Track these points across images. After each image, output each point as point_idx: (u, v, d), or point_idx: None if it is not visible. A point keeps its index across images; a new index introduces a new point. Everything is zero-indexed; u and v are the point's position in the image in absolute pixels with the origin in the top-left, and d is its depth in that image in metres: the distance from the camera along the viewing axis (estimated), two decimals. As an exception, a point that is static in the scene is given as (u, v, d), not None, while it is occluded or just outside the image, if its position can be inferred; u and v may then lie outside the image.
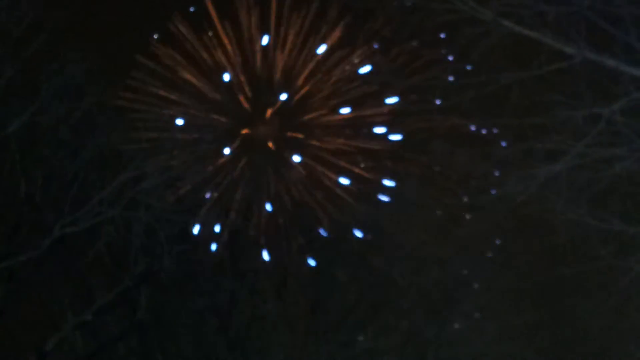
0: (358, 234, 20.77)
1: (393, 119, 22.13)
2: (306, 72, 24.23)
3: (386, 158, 22.63)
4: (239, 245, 20.56)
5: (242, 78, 24.49)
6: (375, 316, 20.73)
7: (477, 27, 12.94)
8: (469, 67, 13.78)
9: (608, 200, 14.53)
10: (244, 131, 21.73)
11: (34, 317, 17.79)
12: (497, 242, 19.64)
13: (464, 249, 19.61)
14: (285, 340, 20.69)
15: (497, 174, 15.07)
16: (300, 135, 23.90)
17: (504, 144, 14.35)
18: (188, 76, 24.84)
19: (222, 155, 21.56)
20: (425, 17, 13.26)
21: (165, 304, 19.57)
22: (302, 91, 23.92)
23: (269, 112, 22.85)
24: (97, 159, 16.59)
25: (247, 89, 24.62)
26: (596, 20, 11.92)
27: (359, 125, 24.68)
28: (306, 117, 24.06)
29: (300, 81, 24.22)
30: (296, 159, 23.52)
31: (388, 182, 22.76)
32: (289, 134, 23.93)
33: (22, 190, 16.30)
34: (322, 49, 23.92)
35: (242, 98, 24.66)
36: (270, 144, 22.94)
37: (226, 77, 24.37)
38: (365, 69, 22.95)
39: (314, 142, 24.14)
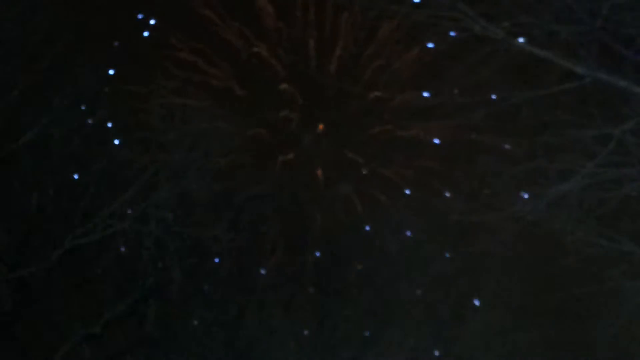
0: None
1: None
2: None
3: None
4: (247, 259, 20.59)
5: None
6: (381, 333, 20.68)
7: (489, 46, 12.98)
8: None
9: (618, 221, 14.50)
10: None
11: (43, 328, 17.83)
12: (506, 261, 19.56)
13: (472, 266, 19.57)
14: (292, 355, 20.65)
15: (507, 192, 15.07)
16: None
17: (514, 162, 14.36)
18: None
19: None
20: (436, 36, 13.32)
21: (174, 318, 19.58)
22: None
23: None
24: (108, 171, 16.68)
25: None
26: (607, 41, 11.93)
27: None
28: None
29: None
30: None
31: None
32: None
33: (34, 202, 16.40)
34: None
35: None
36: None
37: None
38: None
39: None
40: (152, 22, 22.55)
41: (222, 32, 24.57)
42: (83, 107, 16.16)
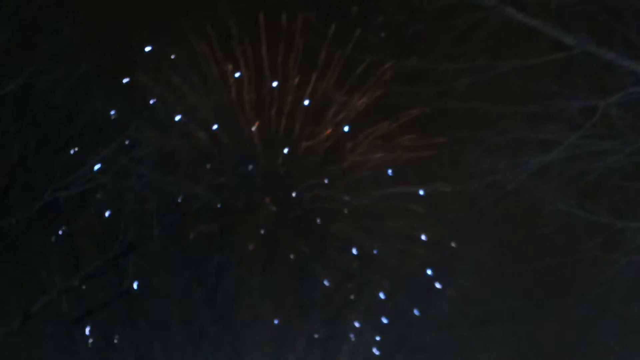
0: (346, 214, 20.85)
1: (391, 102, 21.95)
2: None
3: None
4: (229, 218, 20.63)
5: None
6: (360, 296, 20.88)
7: (478, 13, 12.95)
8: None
9: (598, 193, 14.65)
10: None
11: (21, 278, 17.80)
12: (484, 228, 19.72)
13: (451, 233, 19.75)
14: (270, 315, 20.82)
15: (489, 160, 15.15)
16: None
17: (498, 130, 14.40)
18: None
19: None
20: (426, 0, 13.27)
21: (153, 274, 19.65)
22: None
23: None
24: (91, 124, 16.54)
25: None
26: (597, 13, 11.96)
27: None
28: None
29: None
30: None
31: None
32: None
33: (15, 152, 16.24)
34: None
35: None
36: None
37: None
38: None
39: None
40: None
41: None
42: (67, 59, 15.95)
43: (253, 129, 22.41)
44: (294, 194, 21.29)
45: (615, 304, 17.31)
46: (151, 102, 18.26)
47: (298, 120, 22.36)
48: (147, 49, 16.77)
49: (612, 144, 12.83)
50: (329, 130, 22.39)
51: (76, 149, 16.53)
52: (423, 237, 19.99)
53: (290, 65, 22.45)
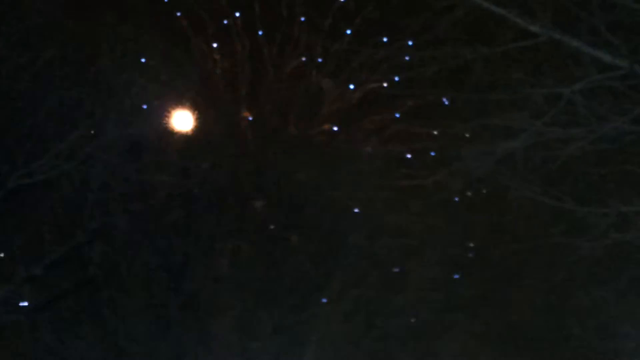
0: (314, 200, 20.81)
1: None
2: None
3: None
4: (195, 206, 20.53)
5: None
6: (326, 282, 20.93)
7: (445, 1, 13.05)
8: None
9: (562, 180, 14.87)
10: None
11: (-17, 268, 17.62)
12: (449, 215, 19.89)
13: (418, 219, 19.85)
14: (238, 304, 20.78)
15: (455, 147, 15.27)
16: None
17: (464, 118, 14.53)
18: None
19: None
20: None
21: (118, 262, 19.51)
22: None
23: None
24: (56, 111, 16.35)
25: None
26: (563, 1, 12.09)
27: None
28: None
29: None
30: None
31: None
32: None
33: (-24, 140, 16.04)
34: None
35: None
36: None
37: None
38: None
39: None
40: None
41: None
42: (31, 46, 15.74)
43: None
44: (272, 183, 21.25)
45: (578, 289, 17.63)
46: (118, 89, 18.07)
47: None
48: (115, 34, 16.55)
49: (576, 131, 13.01)
50: None
51: (40, 136, 16.34)
52: (389, 224, 20.05)
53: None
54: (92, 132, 16.44)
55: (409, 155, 19.52)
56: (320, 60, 21.47)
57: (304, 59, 21.80)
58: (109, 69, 16.48)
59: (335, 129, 21.96)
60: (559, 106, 12.43)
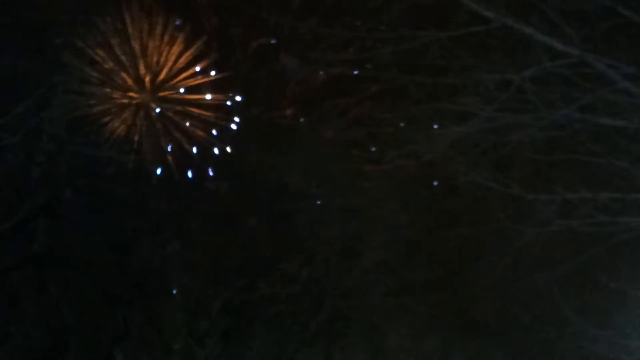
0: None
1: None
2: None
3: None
4: (143, 183, 20.31)
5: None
6: (275, 263, 20.91)
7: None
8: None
9: (510, 166, 14.98)
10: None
11: None
12: (399, 199, 19.95)
13: (367, 202, 19.88)
14: (185, 282, 20.68)
15: (407, 131, 15.27)
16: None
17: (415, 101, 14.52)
18: None
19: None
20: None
21: (64, 238, 19.23)
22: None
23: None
24: (1, 81, 15.96)
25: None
26: (516, -14, 12.11)
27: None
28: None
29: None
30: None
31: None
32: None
33: None
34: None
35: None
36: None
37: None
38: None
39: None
40: None
41: None
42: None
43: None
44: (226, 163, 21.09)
45: (522, 274, 17.83)
46: (66, 60, 17.74)
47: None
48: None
49: (525, 117, 13.06)
50: None
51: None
52: (341, 207, 20.06)
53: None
54: (39, 104, 16.06)
55: (360, 137, 19.47)
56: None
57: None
58: (60, 39, 16.10)
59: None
60: (509, 92, 12.45)
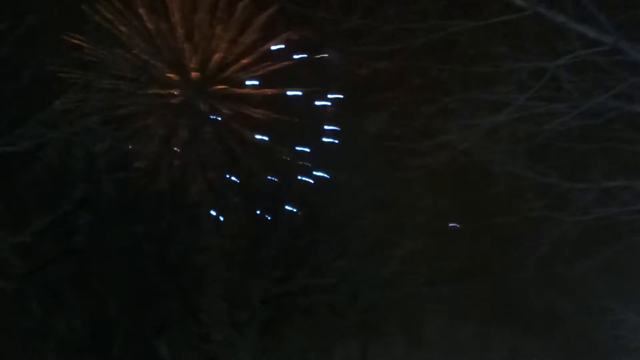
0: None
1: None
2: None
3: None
4: (180, 176, 20.52)
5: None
6: (311, 254, 21.00)
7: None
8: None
9: (545, 155, 14.86)
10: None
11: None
12: (433, 188, 19.90)
13: (401, 192, 19.87)
14: (221, 273, 20.85)
15: (440, 121, 15.22)
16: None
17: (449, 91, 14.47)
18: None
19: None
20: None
21: (103, 230, 19.51)
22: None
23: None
24: (40, 78, 16.23)
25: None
26: (549, -25, 12.02)
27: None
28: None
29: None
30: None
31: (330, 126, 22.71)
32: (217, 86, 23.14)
33: (-41, 107, 15.90)
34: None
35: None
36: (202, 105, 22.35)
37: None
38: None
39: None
40: None
41: None
42: (12, 11, 15.55)
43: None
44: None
45: (560, 263, 17.69)
46: (102, 57, 17.96)
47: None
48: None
49: (560, 106, 12.97)
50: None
51: (23, 103, 16.23)
52: (373, 198, 20.09)
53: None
54: (77, 99, 16.29)
55: (393, 126, 19.42)
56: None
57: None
58: (94, 38, 16.34)
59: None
60: (543, 81, 12.37)
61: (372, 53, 15.69)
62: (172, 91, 20.36)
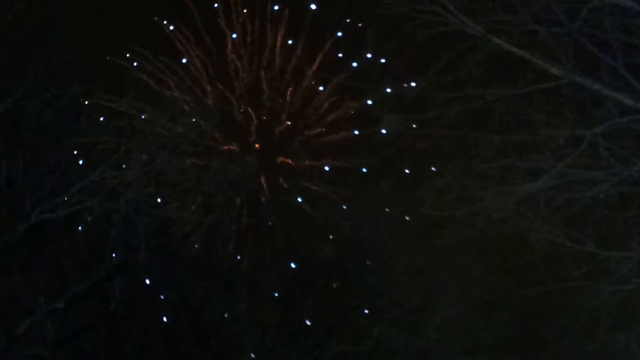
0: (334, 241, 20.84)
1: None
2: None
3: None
4: (216, 243, 20.61)
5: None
6: (346, 322, 20.84)
7: (467, 41, 13.09)
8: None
9: (583, 223, 14.71)
10: (230, 147, 21.34)
11: (6, 301, 17.72)
12: (470, 256, 19.78)
13: (437, 260, 19.76)
14: (255, 340, 20.73)
15: (476, 188, 15.20)
16: (289, 161, 23.49)
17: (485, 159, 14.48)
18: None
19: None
20: (416, 28, 13.38)
21: (139, 296, 19.57)
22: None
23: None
24: (80, 147, 16.57)
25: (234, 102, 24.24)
26: (585, 44, 12.11)
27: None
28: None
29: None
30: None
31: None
32: (280, 159, 23.56)
33: (3, 174, 16.24)
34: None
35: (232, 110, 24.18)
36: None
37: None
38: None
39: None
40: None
41: None
42: (57, 81, 16.00)
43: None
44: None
45: (601, 333, 17.34)
46: (140, 124, 18.30)
47: (299, 154, 22.44)
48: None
49: (598, 173, 12.91)
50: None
51: (64, 171, 16.54)
52: (409, 264, 19.99)
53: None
54: (115, 166, 16.59)
55: (430, 194, 19.43)
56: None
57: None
58: (133, 106, 16.70)
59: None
60: (581, 148, 12.35)
61: (408, 120, 15.77)
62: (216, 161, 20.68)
